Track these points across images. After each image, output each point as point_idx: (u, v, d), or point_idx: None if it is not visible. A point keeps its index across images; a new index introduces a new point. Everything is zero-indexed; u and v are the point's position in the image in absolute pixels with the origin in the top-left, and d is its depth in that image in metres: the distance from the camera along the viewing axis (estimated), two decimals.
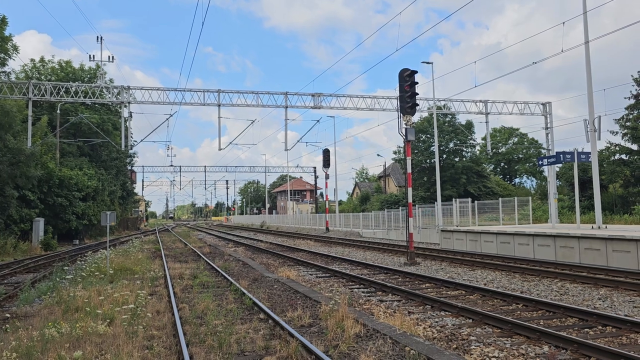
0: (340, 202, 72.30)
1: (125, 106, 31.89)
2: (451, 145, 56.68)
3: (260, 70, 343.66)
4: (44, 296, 11.75)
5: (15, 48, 29.41)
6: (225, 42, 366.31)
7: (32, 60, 42.87)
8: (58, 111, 36.21)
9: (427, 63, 32.48)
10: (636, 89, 33.95)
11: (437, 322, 9.02)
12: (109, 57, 43.51)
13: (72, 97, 30.20)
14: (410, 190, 20.23)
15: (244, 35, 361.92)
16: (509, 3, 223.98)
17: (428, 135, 54.74)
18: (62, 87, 29.93)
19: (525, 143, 73.25)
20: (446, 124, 55.50)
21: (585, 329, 8.28)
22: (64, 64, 43.98)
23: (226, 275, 14.95)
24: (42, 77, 40.98)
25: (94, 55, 38.04)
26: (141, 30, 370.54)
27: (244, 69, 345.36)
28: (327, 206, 48.47)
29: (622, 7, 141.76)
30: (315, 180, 77.14)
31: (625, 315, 8.96)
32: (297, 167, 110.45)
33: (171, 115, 38.95)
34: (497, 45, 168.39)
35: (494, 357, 6.86)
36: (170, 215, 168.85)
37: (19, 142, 25.97)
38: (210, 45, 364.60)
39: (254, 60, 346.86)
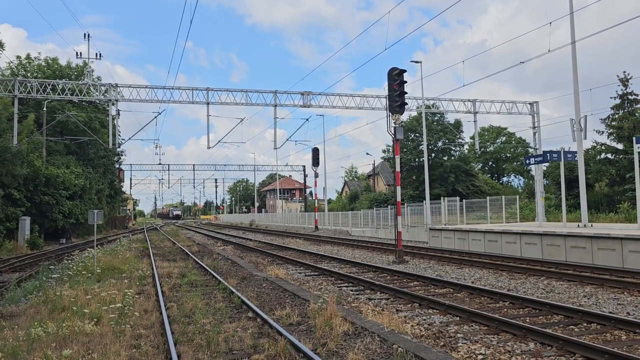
0: (329, 201, 72.36)
1: (113, 104, 31.65)
2: (440, 144, 56.99)
3: (245, 64, 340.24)
4: (30, 295, 11.63)
5: (1, 45, 29.06)
6: (206, 38, 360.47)
7: (17, 57, 42.24)
8: (44, 109, 35.78)
9: (416, 62, 32.70)
10: (622, 89, 34.35)
11: (424, 319, 9.08)
12: (96, 54, 42.95)
13: (59, 94, 29.90)
14: (399, 188, 20.32)
15: (226, 31, 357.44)
16: (492, 2, 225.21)
17: (417, 134, 54.98)
18: (49, 85, 29.62)
19: (513, 142, 73.84)
20: (435, 123, 55.79)
21: (571, 326, 8.38)
22: (50, 61, 43.38)
23: (215, 274, 14.90)
24: (28, 75, 40.46)
25: (80, 53, 37.80)
26: (122, 25, 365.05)
27: (228, 65, 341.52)
28: (316, 205, 48.47)
29: (607, 7, 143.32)
30: (305, 179, 77.05)
31: (610, 313, 9.08)
32: (286, 165, 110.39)
33: (159, 113, 38.64)
34: (481, 44, 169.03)
35: (480, 354, 6.92)
36: (176, 213, 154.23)
37: (4, 140, 25.69)
38: (190, 40, 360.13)
39: (239, 56, 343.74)
